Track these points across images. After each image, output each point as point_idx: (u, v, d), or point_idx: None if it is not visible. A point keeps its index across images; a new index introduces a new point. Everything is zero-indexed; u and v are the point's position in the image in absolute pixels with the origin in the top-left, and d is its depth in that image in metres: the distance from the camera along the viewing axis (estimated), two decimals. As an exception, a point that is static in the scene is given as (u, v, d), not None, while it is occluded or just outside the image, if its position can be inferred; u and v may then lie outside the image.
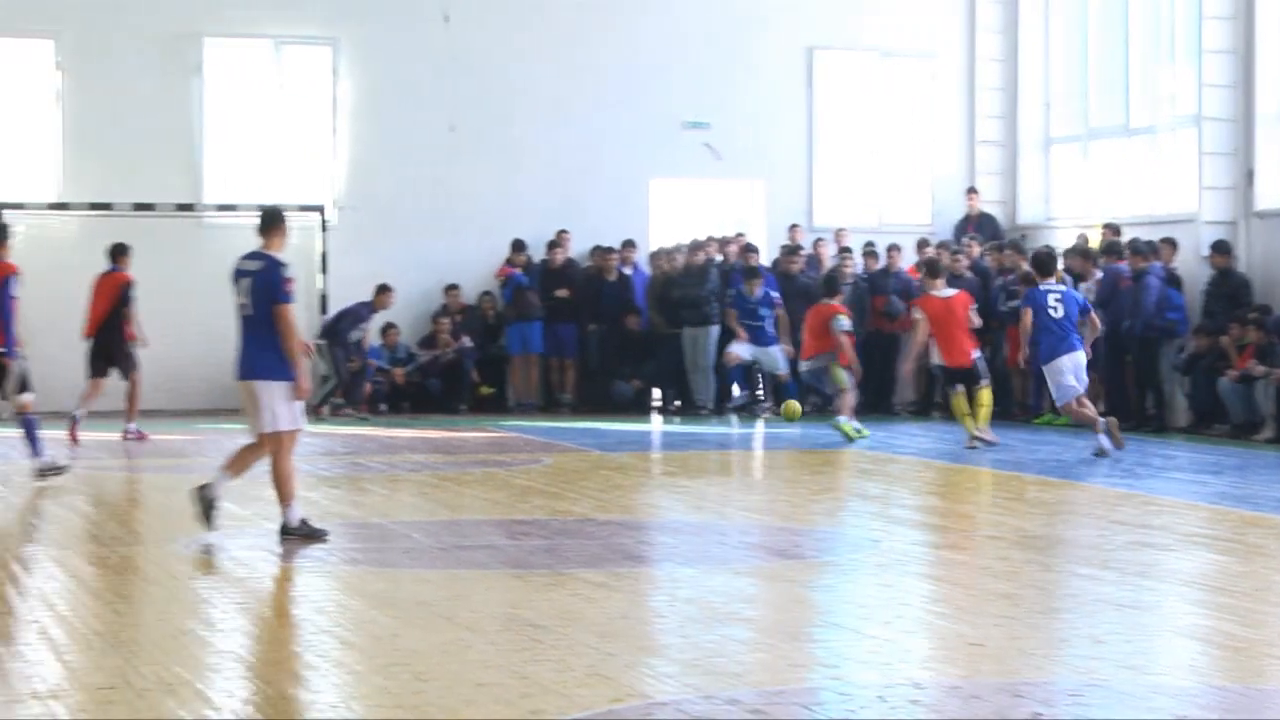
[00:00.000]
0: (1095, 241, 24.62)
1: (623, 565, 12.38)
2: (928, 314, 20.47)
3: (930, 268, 21.36)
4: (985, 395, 20.58)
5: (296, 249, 25.21)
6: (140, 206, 25.02)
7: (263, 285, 12.81)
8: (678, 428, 24.13)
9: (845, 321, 21.76)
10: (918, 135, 28.87)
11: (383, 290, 25.13)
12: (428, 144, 26.75)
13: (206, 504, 12.95)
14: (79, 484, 17.04)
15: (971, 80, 28.75)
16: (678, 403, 26.21)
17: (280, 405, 12.77)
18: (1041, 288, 19.65)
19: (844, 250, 26.53)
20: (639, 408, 26.13)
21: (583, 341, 26.44)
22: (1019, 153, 28.38)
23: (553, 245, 26.37)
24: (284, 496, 12.86)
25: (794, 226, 27.35)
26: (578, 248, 26.78)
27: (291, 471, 12.89)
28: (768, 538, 13.72)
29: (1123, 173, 26.15)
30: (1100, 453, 19.05)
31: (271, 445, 12.86)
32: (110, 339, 21.71)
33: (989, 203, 28.13)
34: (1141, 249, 22.83)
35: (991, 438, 20.47)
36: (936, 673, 8.88)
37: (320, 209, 25.90)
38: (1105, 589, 11.11)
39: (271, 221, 13.13)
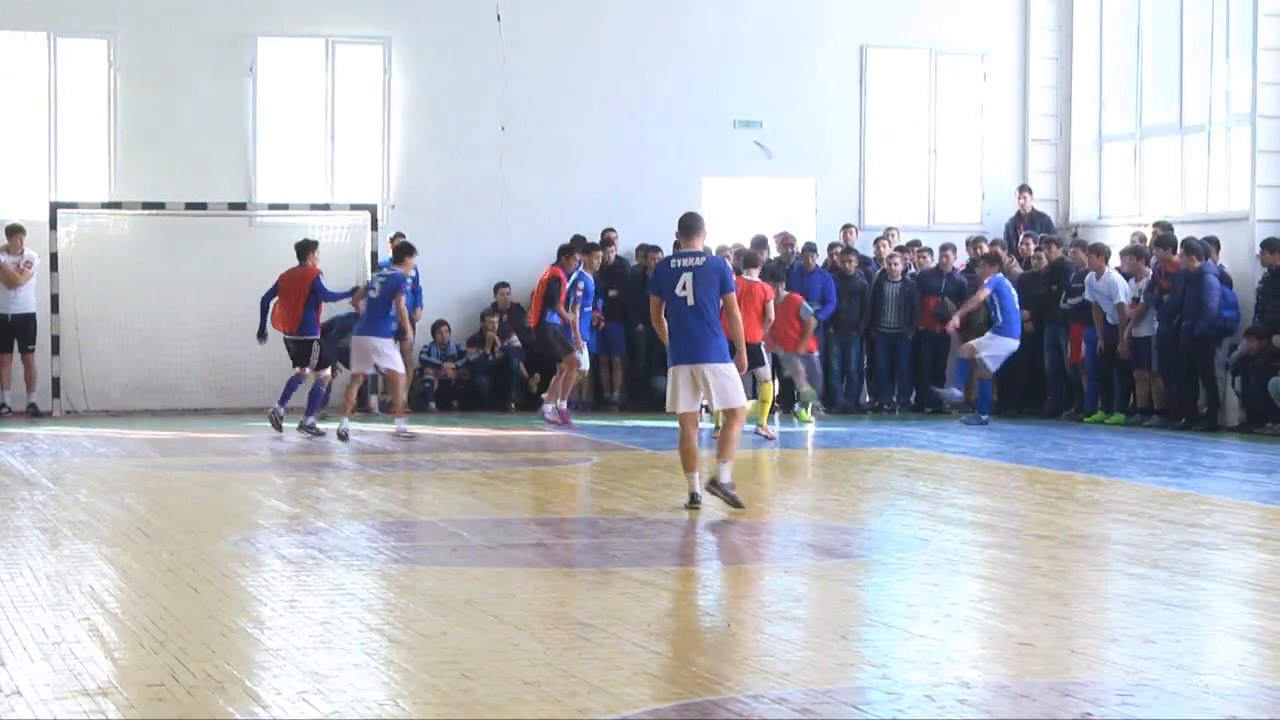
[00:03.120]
0: (1148, 240, 24.49)
1: (671, 564, 12.40)
2: None
3: (748, 258, 22.12)
4: (765, 390, 21.69)
5: (347, 248, 25.53)
6: (192, 206, 25.12)
7: (712, 276, 14.36)
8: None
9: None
10: (970, 134, 28.79)
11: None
12: (479, 143, 26.78)
13: (727, 498, 14.33)
14: (129, 481, 17.13)
15: (1024, 78, 28.66)
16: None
17: (732, 382, 14.41)
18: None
19: (898, 248, 26.59)
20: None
21: (631, 341, 26.42)
22: (1072, 151, 28.28)
23: (603, 244, 26.29)
24: (728, 456, 14.45)
25: (847, 227, 27.24)
26: (628, 246, 26.75)
27: (739, 437, 14.68)
28: (816, 536, 13.70)
29: (1175, 171, 26.03)
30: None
31: (734, 416, 14.49)
32: (543, 330, 23.13)
33: (1041, 201, 28.02)
34: (1196, 248, 22.67)
35: (769, 432, 21.44)
36: (985, 672, 8.85)
37: (372, 208, 25.94)
38: (1155, 588, 11.06)
39: (694, 224, 14.77)
